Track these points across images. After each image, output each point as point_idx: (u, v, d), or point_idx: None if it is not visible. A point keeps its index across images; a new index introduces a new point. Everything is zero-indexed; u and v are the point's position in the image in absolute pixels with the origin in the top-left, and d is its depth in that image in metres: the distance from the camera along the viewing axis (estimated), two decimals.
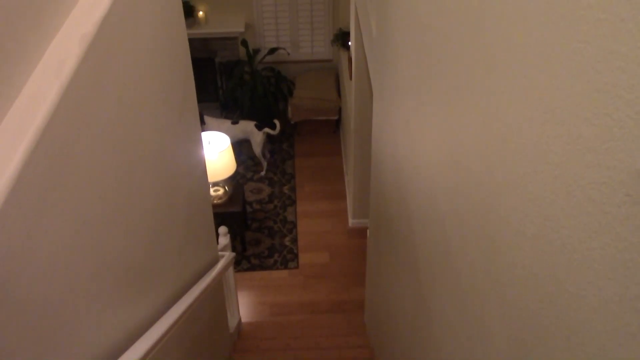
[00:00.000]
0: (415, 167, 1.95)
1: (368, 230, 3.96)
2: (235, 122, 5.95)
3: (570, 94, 0.78)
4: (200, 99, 6.48)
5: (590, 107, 0.73)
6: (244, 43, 6.52)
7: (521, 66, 0.94)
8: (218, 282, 3.21)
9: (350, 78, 5.03)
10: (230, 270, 3.93)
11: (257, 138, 5.92)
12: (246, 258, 5.22)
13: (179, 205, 2.34)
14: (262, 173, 6.18)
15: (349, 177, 5.76)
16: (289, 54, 6.85)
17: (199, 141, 2.64)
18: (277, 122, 5.95)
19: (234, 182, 5.68)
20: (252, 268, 5.12)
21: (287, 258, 5.21)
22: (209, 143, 4.64)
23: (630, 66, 0.64)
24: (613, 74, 0.68)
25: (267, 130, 5.91)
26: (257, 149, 5.96)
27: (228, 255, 3.45)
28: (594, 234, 0.74)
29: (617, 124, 0.68)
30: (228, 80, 6.69)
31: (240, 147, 6.43)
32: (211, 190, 5.00)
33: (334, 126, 6.79)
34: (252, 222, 5.61)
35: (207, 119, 5.91)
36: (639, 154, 0.64)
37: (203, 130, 5.54)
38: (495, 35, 1.05)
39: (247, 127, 5.92)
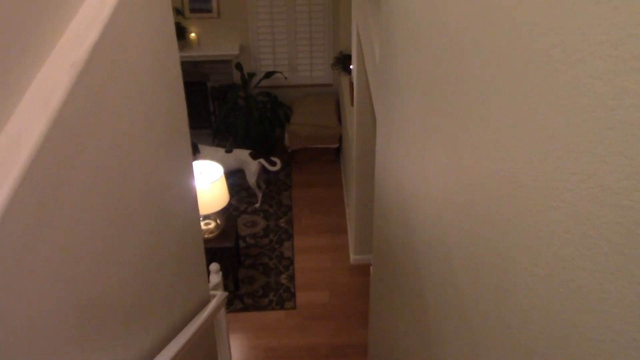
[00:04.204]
0: (421, 201, 1.98)
1: (371, 267, 3.96)
2: (229, 151, 6.00)
3: (582, 131, 0.81)
4: (192, 126, 6.50)
5: (603, 144, 0.76)
6: (239, 66, 6.61)
7: (533, 100, 0.97)
8: (209, 325, 3.20)
9: (352, 104, 5.08)
10: (222, 311, 3.91)
11: (252, 168, 5.96)
12: (239, 297, 5.21)
13: (170, 241, 2.36)
14: (257, 205, 6.21)
15: (350, 209, 5.77)
16: (286, 78, 6.94)
17: (190, 171, 2.67)
18: (277, 160, 6.01)
19: (227, 214, 5.67)
20: (246, 308, 5.11)
21: (283, 297, 5.20)
22: (200, 173, 4.67)
23: None
24: (626, 112, 0.71)
25: (263, 162, 5.95)
26: (252, 179, 6.00)
27: (220, 295, 3.44)
28: (611, 276, 0.76)
29: (630, 163, 0.70)
30: (221, 105, 6.76)
31: (233, 177, 6.47)
32: (202, 223, 5.01)
33: (334, 155, 6.84)
34: (245, 258, 5.61)
35: (201, 147, 5.95)
36: None
37: (196, 159, 5.58)
38: (507, 67, 1.09)
39: (242, 155, 5.97)
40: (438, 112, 1.65)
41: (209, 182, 4.59)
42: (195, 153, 5.86)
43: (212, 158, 5.89)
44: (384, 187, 2.97)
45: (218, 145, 6.78)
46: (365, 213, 5.09)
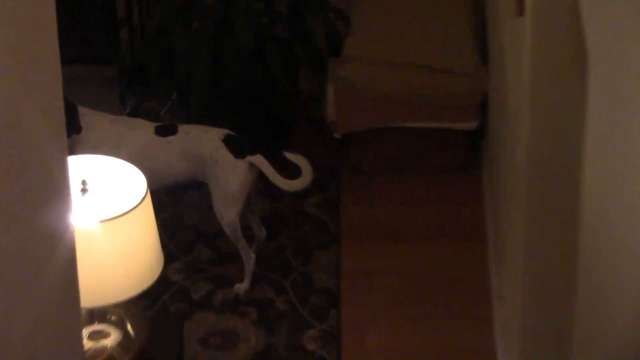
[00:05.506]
0: None
1: None
2: (166, 130, 6.12)
3: None
4: (71, 56, 6.46)
5: None
6: None
7: None
8: None
9: (520, 12, 5.20)
10: None
11: (230, 179, 6.04)
12: None
13: None
14: (242, 287, 6.29)
15: (507, 304, 5.83)
16: None
17: (62, 183, 2.66)
18: (300, 159, 6.07)
19: (155, 310, 5.81)
20: None
21: None
22: (85, 188, 4.61)
23: None
24: None
25: (260, 163, 5.99)
26: (230, 210, 6.03)
27: None
28: None
29: None
30: (149, 7, 7.06)
31: (177, 203, 6.57)
32: (84, 332, 4.95)
33: (465, 151, 6.95)
34: None
35: (86, 114, 6.11)
36: None
37: (76, 151, 5.74)
38: None
39: (202, 143, 6.09)
40: None
41: (106, 215, 4.52)
42: (72, 134, 5.98)
43: (118, 146, 6.00)
44: (611, 237, 3.19)
45: (133, 112, 6.97)
46: (551, 320, 5.12)
